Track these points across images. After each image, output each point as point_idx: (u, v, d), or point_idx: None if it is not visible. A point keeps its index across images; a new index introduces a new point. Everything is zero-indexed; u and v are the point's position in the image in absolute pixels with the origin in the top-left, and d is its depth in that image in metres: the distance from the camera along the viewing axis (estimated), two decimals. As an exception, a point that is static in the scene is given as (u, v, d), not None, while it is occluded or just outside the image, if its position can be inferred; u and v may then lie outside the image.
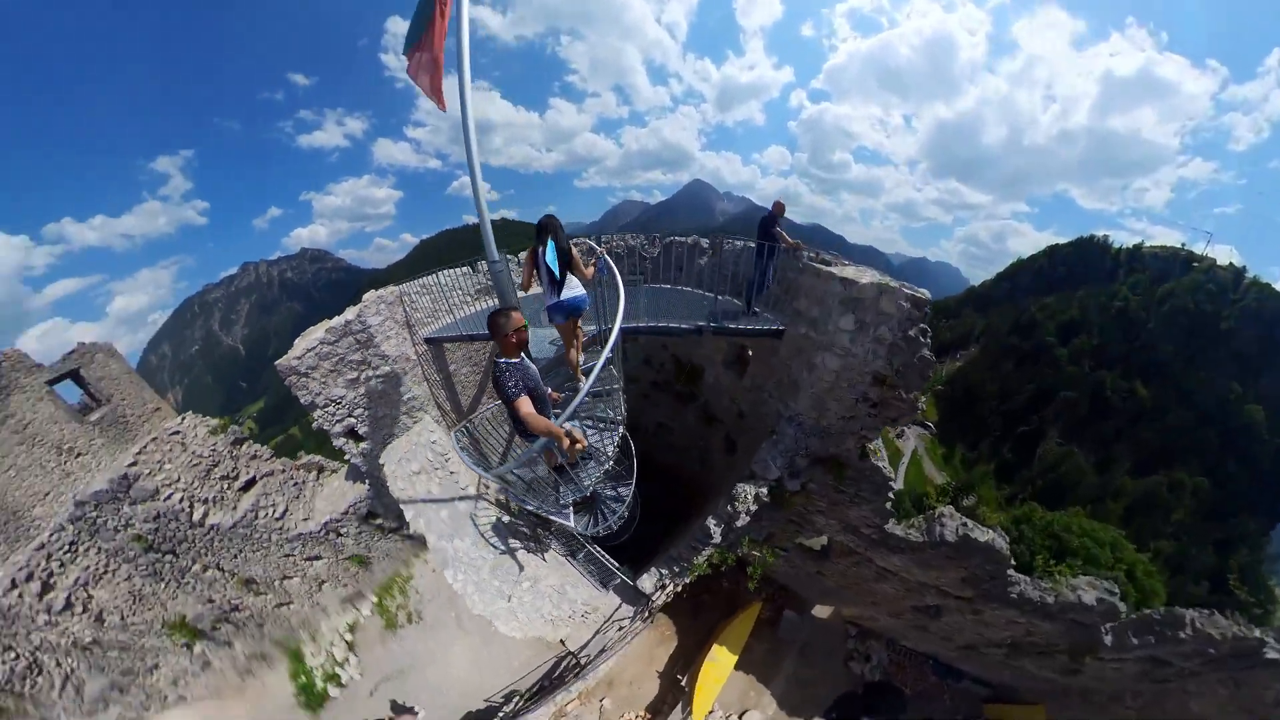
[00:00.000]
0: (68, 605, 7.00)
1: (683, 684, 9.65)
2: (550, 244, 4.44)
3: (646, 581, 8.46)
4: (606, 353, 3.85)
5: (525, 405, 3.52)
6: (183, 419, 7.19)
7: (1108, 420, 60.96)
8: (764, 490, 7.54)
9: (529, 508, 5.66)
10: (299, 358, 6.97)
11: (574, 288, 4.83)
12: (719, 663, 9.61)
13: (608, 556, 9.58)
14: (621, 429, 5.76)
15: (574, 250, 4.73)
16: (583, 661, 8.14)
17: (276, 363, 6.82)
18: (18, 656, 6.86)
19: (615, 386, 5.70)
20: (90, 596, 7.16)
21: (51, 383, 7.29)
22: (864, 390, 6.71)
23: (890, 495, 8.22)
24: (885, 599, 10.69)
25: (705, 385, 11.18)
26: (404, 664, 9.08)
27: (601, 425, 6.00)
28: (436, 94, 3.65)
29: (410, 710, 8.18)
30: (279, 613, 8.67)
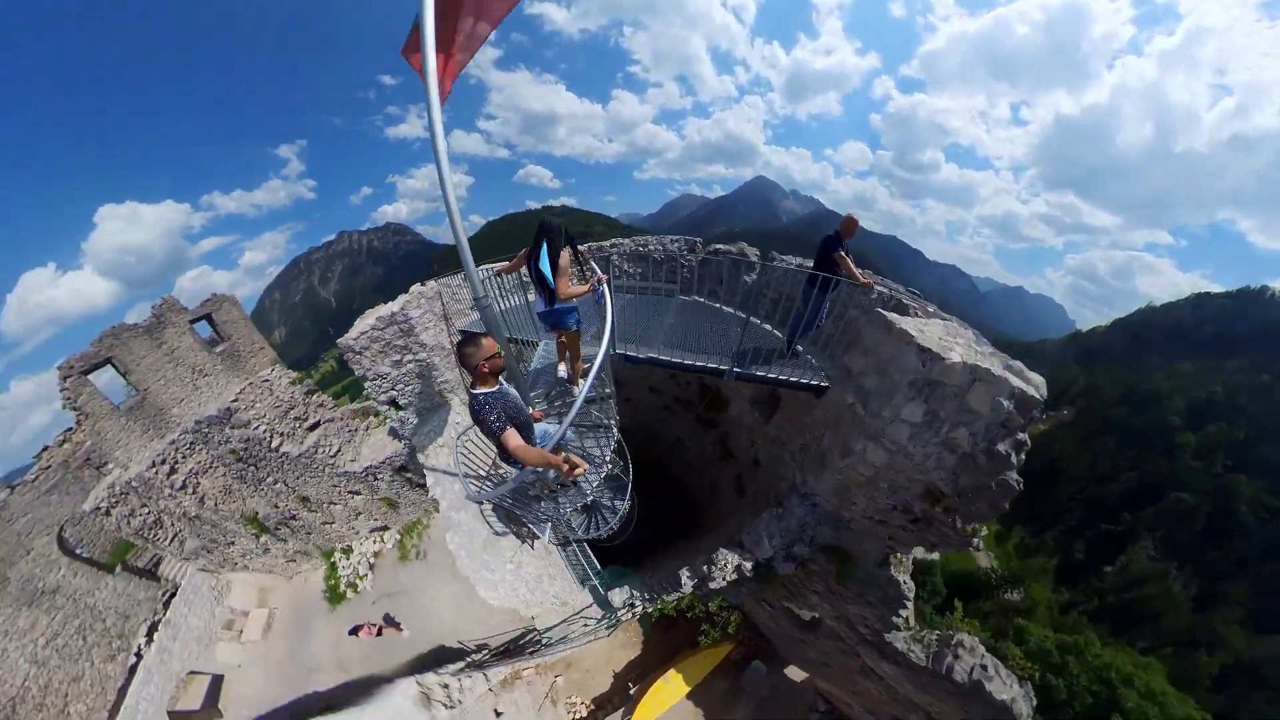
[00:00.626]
0: (183, 485, 9.49)
1: (631, 692, 10.08)
2: (544, 251, 4.10)
3: (617, 596, 8.48)
4: (583, 392, 3.36)
5: (513, 439, 3.14)
6: (273, 369, 9.18)
7: (1230, 544, 44.50)
8: (748, 565, 6.64)
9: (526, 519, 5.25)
10: (354, 338, 8.53)
11: (563, 300, 4.40)
12: (671, 686, 9.62)
13: (593, 558, 10.03)
14: (616, 440, 5.21)
15: (564, 260, 4.25)
16: (544, 642, 9.34)
17: (338, 340, 8.40)
18: (150, 513, 9.51)
19: (610, 421, 5.06)
20: (199, 483, 9.63)
21: (192, 321, 9.72)
22: (907, 500, 5.38)
23: (902, 613, 6.92)
24: (866, 695, 9.52)
25: (728, 416, 10.29)
26: (405, 589, 10.97)
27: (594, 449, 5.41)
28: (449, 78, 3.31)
29: (398, 626, 10.05)
30: (324, 528, 10.90)
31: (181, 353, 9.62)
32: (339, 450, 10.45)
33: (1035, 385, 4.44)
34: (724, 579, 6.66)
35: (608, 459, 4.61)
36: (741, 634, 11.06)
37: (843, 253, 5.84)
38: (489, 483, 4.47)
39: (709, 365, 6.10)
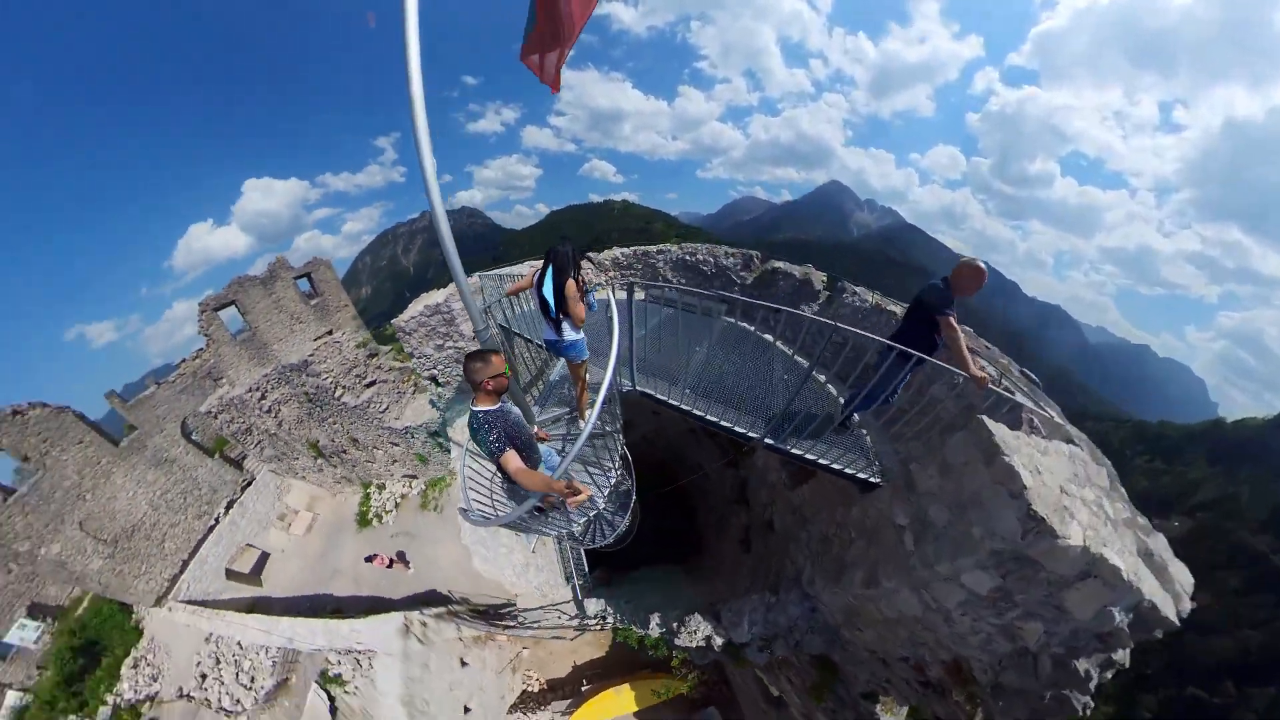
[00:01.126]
0: (269, 410, 11.86)
1: (583, 689, 10.38)
2: (549, 275, 3.95)
3: (592, 605, 8.70)
4: (585, 430, 3.11)
5: (513, 461, 3.05)
6: (343, 333, 11.07)
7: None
8: (719, 640, 6.15)
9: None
10: (405, 320, 10.10)
11: (568, 331, 4.18)
12: (620, 699, 9.46)
13: (583, 560, 10.58)
14: (622, 457, 4.90)
15: (573, 287, 3.99)
16: (520, 620, 10.70)
17: (393, 320, 9.98)
18: (244, 423, 12.01)
19: (615, 450, 4.62)
20: (279, 410, 11.99)
21: (295, 278, 11.88)
22: (925, 660, 4.50)
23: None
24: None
25: (753, 464, 9.43)
26: (419, 533, 13.00)
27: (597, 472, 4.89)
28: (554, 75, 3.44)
29: (406, 563, 12.07)
30: (366, 465, 13.12)
31: (285, 302, 11.85)
32: (387, 408, 12.42)
33: (1176, 593, 3.26)
34: (691, 642, 6.25)
35: (610, 483, 4.30)
36: (707, 675, 10.27)
37: (952, 319, 4.04)
38: (490, 499, 4.34)
39: (737, 428, 4.92)
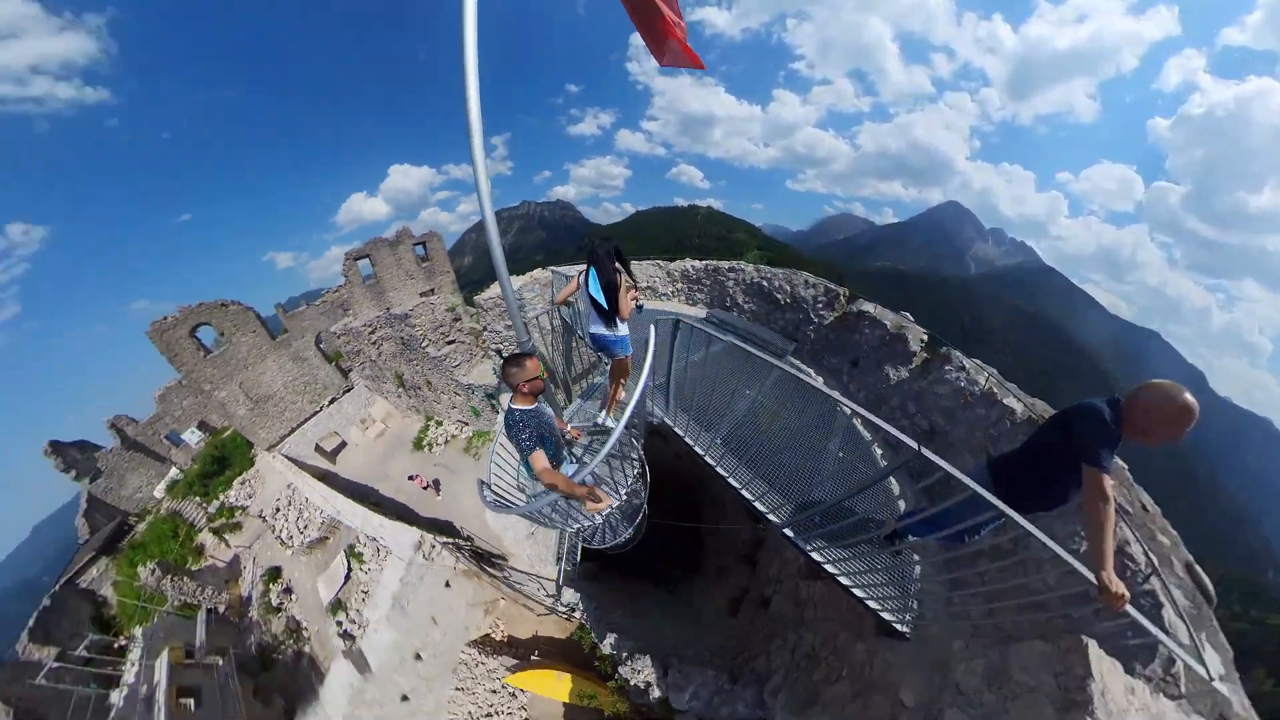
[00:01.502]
0: (374, 342, 15.12)
1: (531, 657, 10.60)
2: (593, 275, 4.12)
3: (568, 594, 8.80)
4: (607, 446, 3.13)
5: (540, 460, 3.20)
6: (440, 295, 13.78)
7: None
8: (656, 692, 5.70)
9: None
10: (484, 298, 12.42)
11: (617, 326, 4.31)
12: (558, 684, 9.34)
13: (578, 550, 10.39)
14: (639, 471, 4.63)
15: (622, 282, 4.12)
16: (505, 575, 12.51)
17: (475, 297, 12.25)
18: (354, 347, 15.46)
19: (628, 473, 4.44)
20: (381, 345, 15.24)
21: (414, 244, 14.88)
22: None
23: None
24: None
25: (771, 530, 7.62)
26: (456, 470, 15.79)
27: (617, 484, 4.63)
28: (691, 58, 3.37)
29: (438, 490, 14.87)
30: (433, 403, 16.15)
31: (404, 262, 14.93)
32: (459, 364, 15.13)
33: None
34: (632, 679, 5.90)
35: (622, 496, 4.22)
36: (645, 710, 10.15)
37: (1107, 480, 2.54)
38: (513, 486, 4.43)
39: (758, 504, 4.26)
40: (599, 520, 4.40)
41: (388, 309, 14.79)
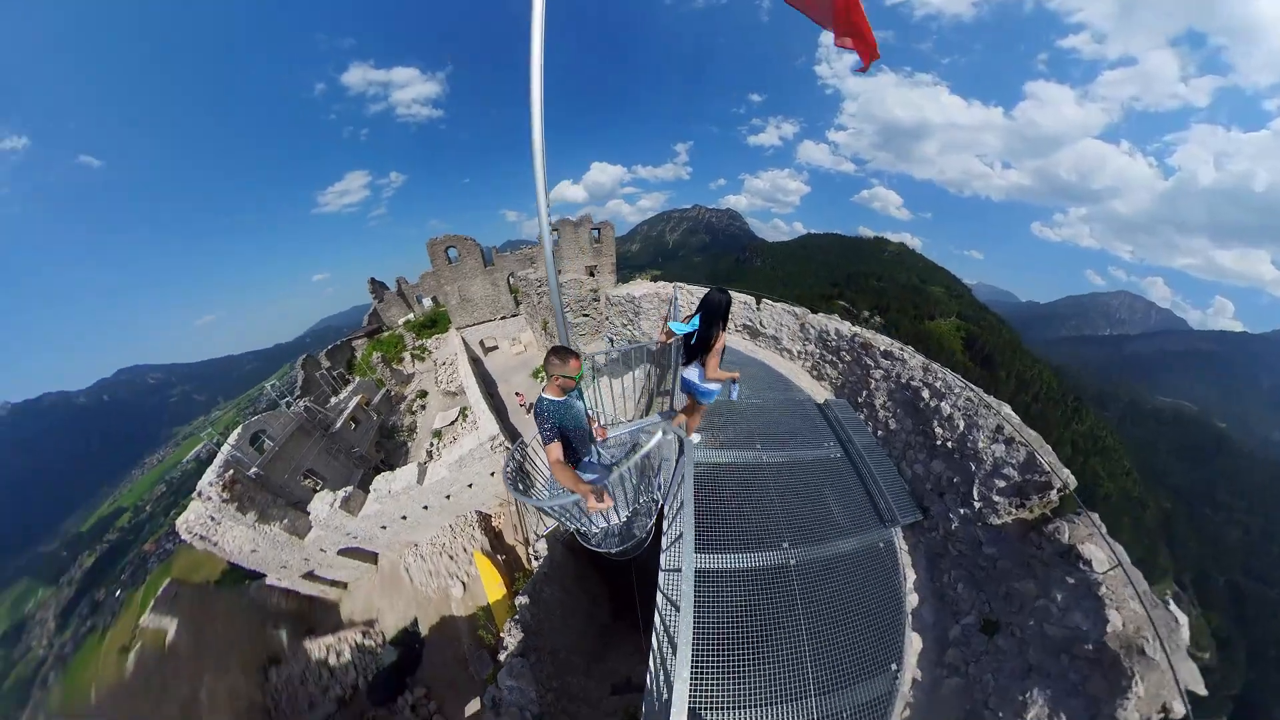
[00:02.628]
0: (537, 293, 20.73)
1: (499, 557, 12.77)
2: (696, 320, 4.19)
3: (542, 546, 9.89)
4: (627, 462, 3.38)
5: (554, 452, 3.17)
6: (597, 276, 18.34)
7: None
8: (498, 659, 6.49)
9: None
10: (614, 294, 16.30)
11: (700, 377, 4.35)
12: (492, 589, 11.14)
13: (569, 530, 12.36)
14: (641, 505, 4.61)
15: (719, 338, 4.09)
16: (523, 490, 17.42)
17: (607, 291, 16.31)
18: (526, 292, 21.41)
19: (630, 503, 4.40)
20: (541, 296, 20.77)
21: (591, 229, 19.68)
22: None
23: None
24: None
25: None
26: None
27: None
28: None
29: (528, 411, 20.21)
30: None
31: (580, 240, 20.06)
32: (584, 335, 19.82)
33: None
34: (506, 640, 7.19)
35: (622, 518, 4.29)
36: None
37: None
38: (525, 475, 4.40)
39: None
40: (597, 524, 4.39)
41: (557, 273, 20.18)
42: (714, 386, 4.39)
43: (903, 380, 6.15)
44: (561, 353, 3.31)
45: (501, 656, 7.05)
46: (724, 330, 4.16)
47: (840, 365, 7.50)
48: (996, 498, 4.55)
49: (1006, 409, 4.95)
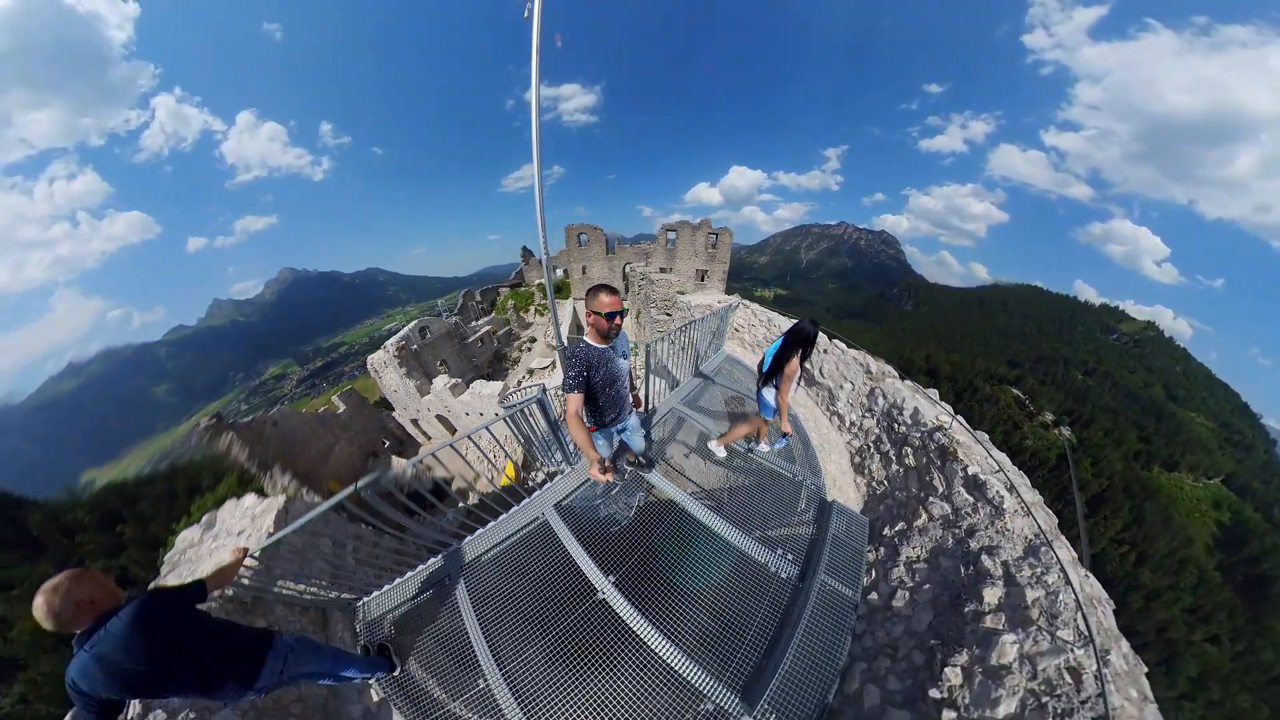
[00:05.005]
0: (639, 283, 24.67)
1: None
2: (780, 343, 4.11)
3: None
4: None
5: (573, 403, 2.81)
6: (701, 280, 21.65)
7: None
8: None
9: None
10: (692, 306, 19.49)
11: (771, 397, 4.26)
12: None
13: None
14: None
15: (790, 364, 3.95)
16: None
17: (681, 296, 19.57)
18: (632, 280, 25.55)
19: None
20: (642, 288, 24.60)
21: (709, 234, 22.86)
22: None
23: None
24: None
25: None
26: None
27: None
28: None
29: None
30: (644, 337, 25.09)
31: (696, 244, 23.55)
32: (663, 333, 23.25)
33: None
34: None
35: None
36: None
37: None
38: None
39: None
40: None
41: (661, 268, 23.79)
42: (774, 404, 4.26)
43: (970, 545, 3.18)
44: (597, 287, 2.78)
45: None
46: (801, 360, 3.95)
47: (894, 466, 4.69)
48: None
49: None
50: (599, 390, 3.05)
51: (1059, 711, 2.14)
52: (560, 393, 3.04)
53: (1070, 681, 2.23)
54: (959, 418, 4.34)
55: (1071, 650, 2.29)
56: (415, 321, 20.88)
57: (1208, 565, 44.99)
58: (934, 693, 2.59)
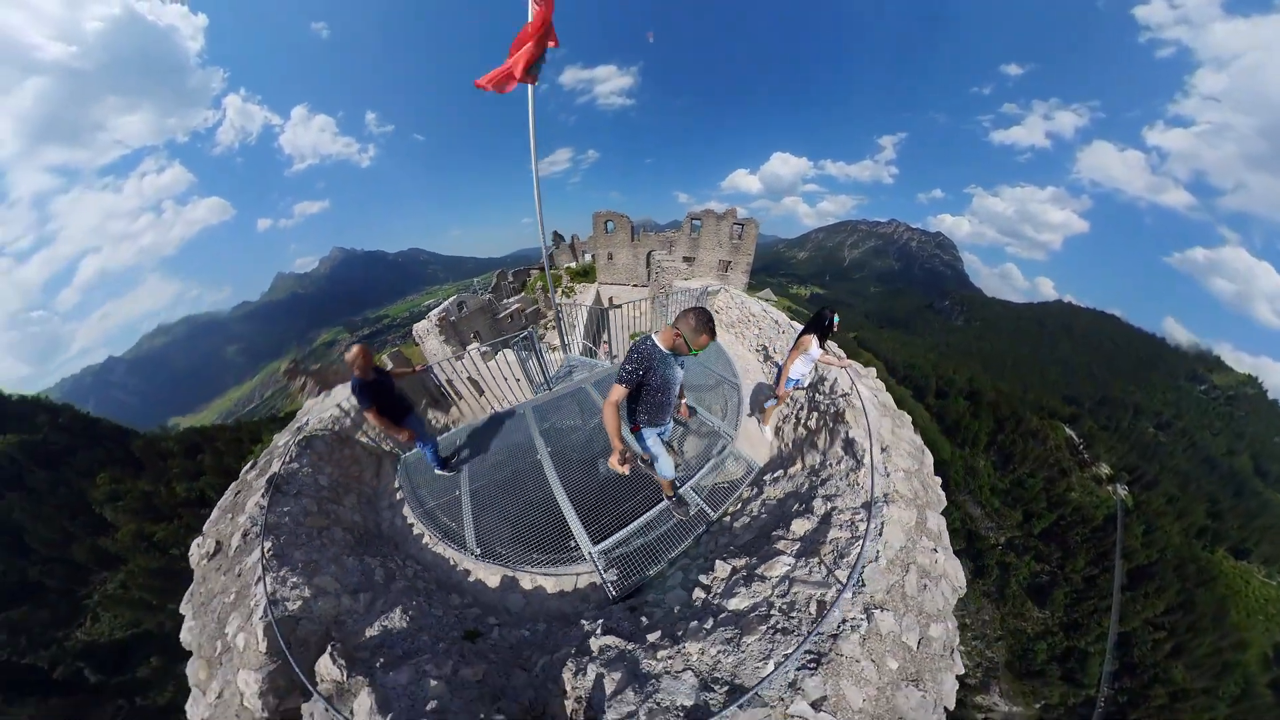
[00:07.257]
0: (659, 271, 26.11)
1: None
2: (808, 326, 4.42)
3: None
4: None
5: (616, 394, 2.92)
6: (726, 274, 22.93)
7: None
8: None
9: None
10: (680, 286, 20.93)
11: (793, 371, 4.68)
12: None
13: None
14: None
15: (803, 340, 4.35)
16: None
17: (677, 281, 21.01)
18: (654, 269, 27.02)
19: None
20: (660, 276, 26.02)
21: (734, 224, 24.10)
22: None
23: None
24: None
25: None
26: None
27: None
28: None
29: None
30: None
31: (720, 234, 24.75)
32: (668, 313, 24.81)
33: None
34: None
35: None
36: None
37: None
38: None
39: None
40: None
41: (686, 257, 25.14)
42: (792, 375, 4.66)
43: (818, 491, 3.52)
44: (702, 316, 2.77)
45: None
46: (814, 341, 4.33)
47: (799, 429, 5.03)
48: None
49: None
50: (652, 390, 3.15)
51: (781, 627, 2.31)
52: (616, 381, 3.06)
53: (812, 611, 2.38)
54: (870, 387, 4.77)
55: (835, 590, 2.42)
56: (454, 296, 23.32)
57: (1259, 678, 36.76)
58: (702, 577, 3.22)
